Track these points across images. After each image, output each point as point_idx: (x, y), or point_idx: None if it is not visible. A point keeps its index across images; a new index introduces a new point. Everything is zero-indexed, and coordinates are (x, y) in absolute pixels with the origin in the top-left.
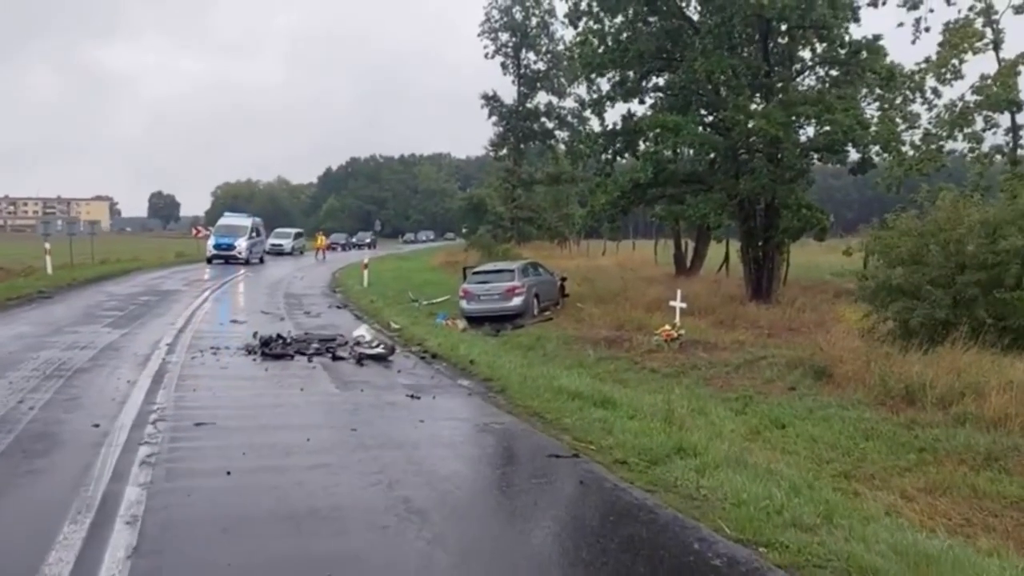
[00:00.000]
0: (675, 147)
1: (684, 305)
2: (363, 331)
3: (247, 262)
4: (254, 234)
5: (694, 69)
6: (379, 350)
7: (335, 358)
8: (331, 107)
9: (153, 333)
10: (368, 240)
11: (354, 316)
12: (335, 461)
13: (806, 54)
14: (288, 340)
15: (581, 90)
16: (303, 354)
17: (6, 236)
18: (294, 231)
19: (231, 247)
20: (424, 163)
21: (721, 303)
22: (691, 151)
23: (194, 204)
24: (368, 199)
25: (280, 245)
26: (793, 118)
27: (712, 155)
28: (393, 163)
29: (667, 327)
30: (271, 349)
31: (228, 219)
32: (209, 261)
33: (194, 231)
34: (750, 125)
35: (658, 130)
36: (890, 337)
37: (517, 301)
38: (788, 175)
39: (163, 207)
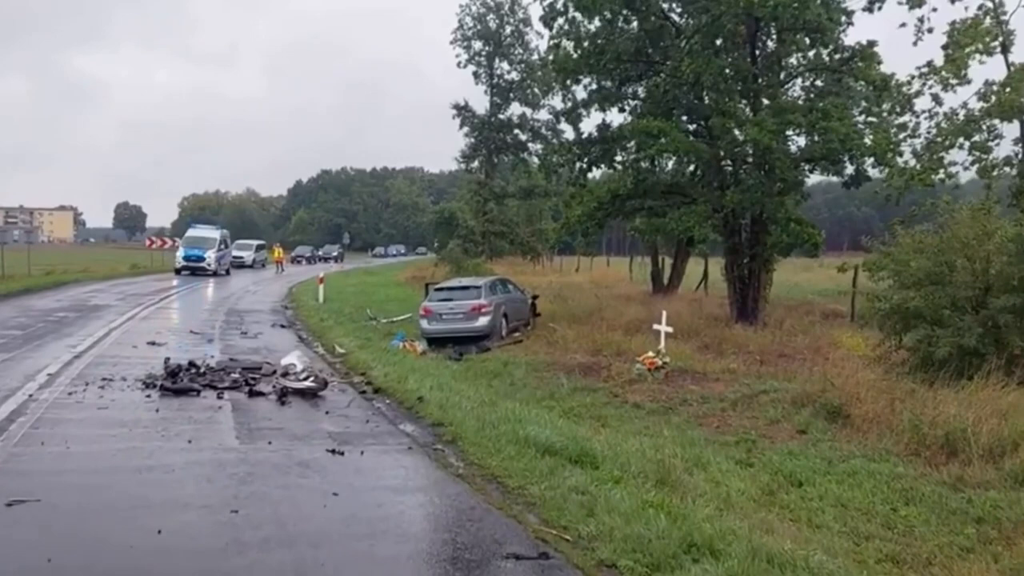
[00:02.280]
0: (658, 155)
1: (670, 329)
2: (294, 359)
3: (215, 273)
4: (222, 246)
5: (680, 71)
6: (308, 383)
7: (252, 393)
8: (304, 119)
9: (42, 359)
10: (335, 253)
11: (297, 337)
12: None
13: (794, 60)
14: (202, 369)
15: (555, 101)
16: (214, 388)
17: None
18: (255, 243)
19: (200, 259)
20: (396, 176)
21: (705, 324)
22: (671, 162)
23: (161, 215)
24: (338, 212)
25: (241, 257)
26: (785, 126)
27: (695, 166)
28: (365, 176)
29: (650, 354)
30: (176, 381)
31: (197, 231)
32: (178, 272)
33: (148, 242)
34: (739, 133)
35: (641, 136)
36: (905, 368)
37: (483, 321)
38: (778, 187)
39: (129, 218)
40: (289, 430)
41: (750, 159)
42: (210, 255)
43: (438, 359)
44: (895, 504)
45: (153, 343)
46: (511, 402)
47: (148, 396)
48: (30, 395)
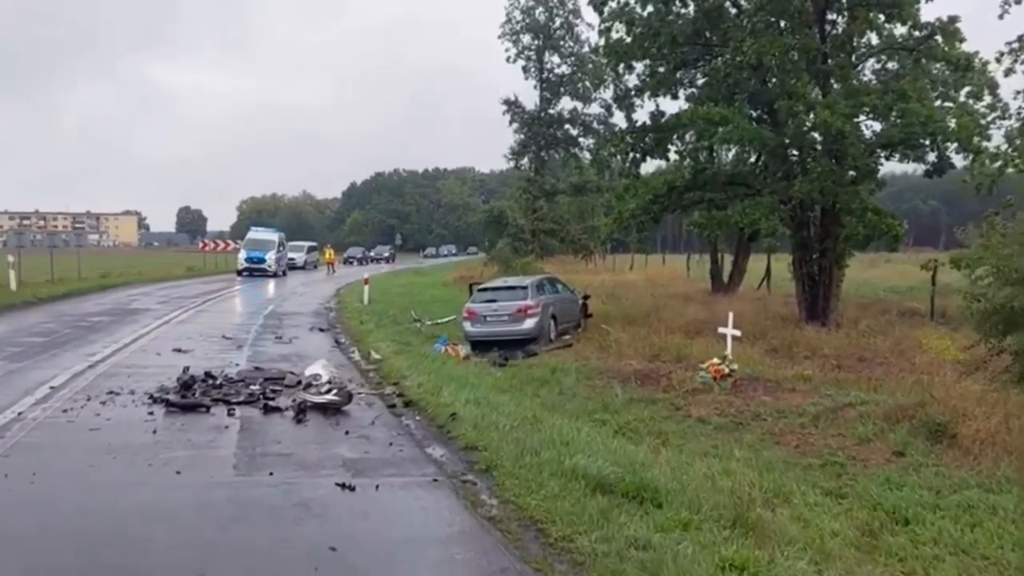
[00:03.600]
0: (720, 143)
1: (738, 333)
2: (319, 368)
3: (275, 275)
4: (280, 248)
5: (742, 52)
6: (330, 397)
7: (268, 409)
8: (359, 123)
9: (52, 370)
10: (386, 254)
11: (334, 341)
12: None
13: (866, 39)
14: (218, 381)
15: (607, 94)
16: (227, 403)
17: (32, 250)
18: (307, 244)
19: (262, 260)
20: (448, 177)
21: (772, 326)
22: (731, 152)
23: (221, 219)
24: (391, 213)
25: (293, 259)
26: (859, 109)
27: (757, 155)
28: (417, 177)
29: (715, 360)
30: (187, 395)
31: (257, 233)
32: (239, 273)
33: (201, 245)
34: (808, 118)
35: (701, 124)
36: (1010, 376)
37: (530, 323)
38: (851, 176)
39: (190, 222)
40: (298, 456)
41: (819, 146)
42: (270, 257)
43: (481, 365)
44: None
45: (179, 350)
46: (558, 416)
47: (151, 414)
48: (19, 413)
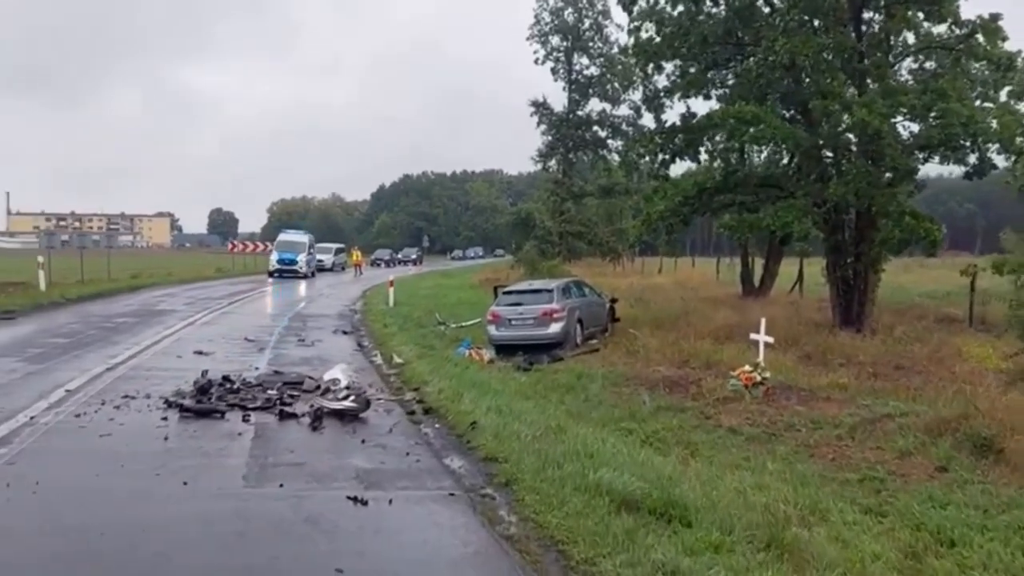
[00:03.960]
0: (752, 143)
1: (770, 339)
2: (338, 373)
3: (306, 276)
4: (311, 250)
5: (774, 51)
6: (347, 404)
7: (283, 415)
8: (388, 126)
9: (70, 372)
10: (414, 256)
11: (356, 344)
12: None
13: (902, 38)
14: (236, 385)
15: (636, 96)
16: (243, 408)
17: (67, 251)
18: (335, 246)
19: (294, 262)
20: (476, 179)
21: (805, 331)
22: (762, 153)
23: (252, 220)
24: (420, 216)
25: (321, 260)
26: (897, 108)
27: (790, 156)
28: (445, 180)
29: (747, 368)
30: (202, 400)
31: (288, 235)
32: (271, 275)
33: (230, 246)
34: (846, 117)
35: (732, 123)
36: None
37: (555, 328)
38: (887, 178)
39: (222, 223)
40: (310, 467)
41: (853, 146)
42: (301, 258)
43: (505, 369)
44: None
45: (200, 352)
46: (583, 425)
47: (164, 419)
48: (31, 418)
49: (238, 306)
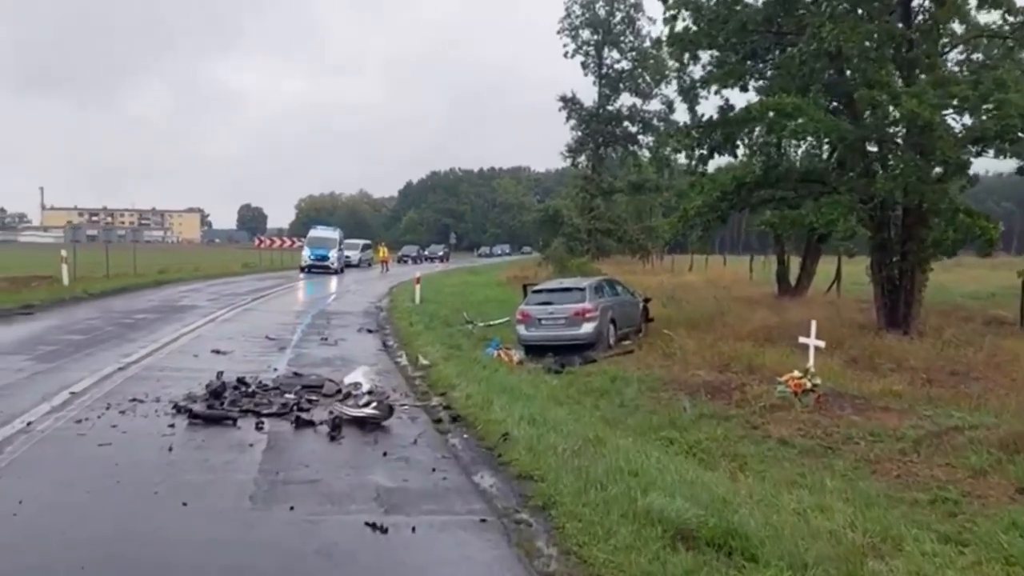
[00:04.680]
0: (793, 137)
1: (822, 344)
2: (359, 376)
3: (337, 272)
4: (341, 246)
5: (820, 38)
6: (369, 411)
7: (300, 423)
8: (416, 122)
9: (80, 372)
10: (440, 253)
11: (381, 344)
12: None
13: (950, 27)
14: (251, 388)
15: (669, 90)
16: (257, 414)
17: (97, 246)
18: (362, 243)
19: (325, 258)
20: (503, 176)
21: (850, 333)
22: (800, 148)
23: (280, 216)
24: (446, 212)
25: (348, 257)
26: (949, 99)
27: (831, 150)
28: (472, 177)
29: (795, 373)
30: (214, 405)
31: (319, 232)
32: (303, 270)
33: (257, 242)
34: (894, 108)
35: (773, 116)
36: None
37: (588, 328)
38: (938, 172)
39: (251, 219)
40: (326, 484)
41: (899, 140)
42: (332, 254)
43: (535, 371)
44: None
45: (217, 351)
46: (621, 434)
47: (171, 426)
48: (28, 424)
49: (262, 303)
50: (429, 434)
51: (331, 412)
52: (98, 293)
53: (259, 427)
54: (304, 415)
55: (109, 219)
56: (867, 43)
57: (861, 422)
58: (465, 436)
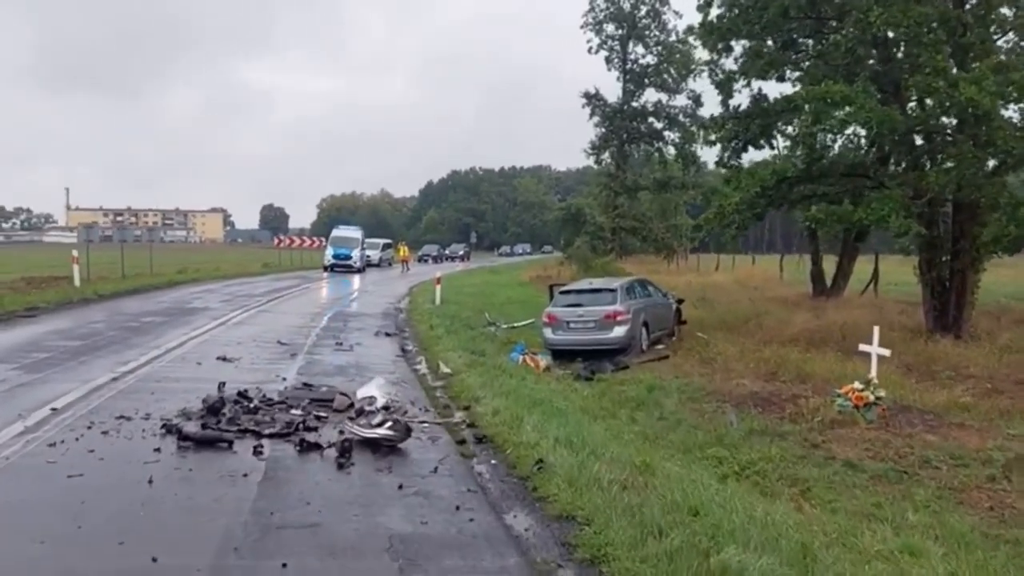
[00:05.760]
0: (840, 128)
1: (887, 352)
2: (374, 389)
3: (359, 270)
4: (363, 245)
5: (868, 23)
6: (383, 431)
7: (304, 446)
8: (436, 122)
9: (67, 383)
10: (461, 252)
11: (400, 349)
12: None
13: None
14: (254, 403)
15: (696, 84)
16: (257, 434)
17: (117, 246)
18: (382, 242)
19: (348, 257)
20: (524, 175)
21: (899, 338)
22: (835, 139)
23: (302, 216)
24: (467, 212)
25: (368, 256)
26: (1009, 86)
27: (871, 142)
28: (493, 176)
29: (856, 384)
30: (211, 424)
31: (342, 231)
32: (326, 269)
33: (276, 241)
34: (950, 96)
35: (818, 105)
36: None
37: (620, 331)
38: (993, 165)
39: (273, 219)
40: (328, 530)
41: (950, 131)
42: (355, 253)
43: (564, 379)
44: None
45: (223, 358)
46: (665, 452)
47: (157, 451)
48: None
49: (277, 304)
50: (452, 459)
51: (341, 432)
52: (108, 294)
53: (258, 451)
54: (310, 436)
55: (133, 219)
56: (921, 27)
57: (937, 442)
58: (493, 462)
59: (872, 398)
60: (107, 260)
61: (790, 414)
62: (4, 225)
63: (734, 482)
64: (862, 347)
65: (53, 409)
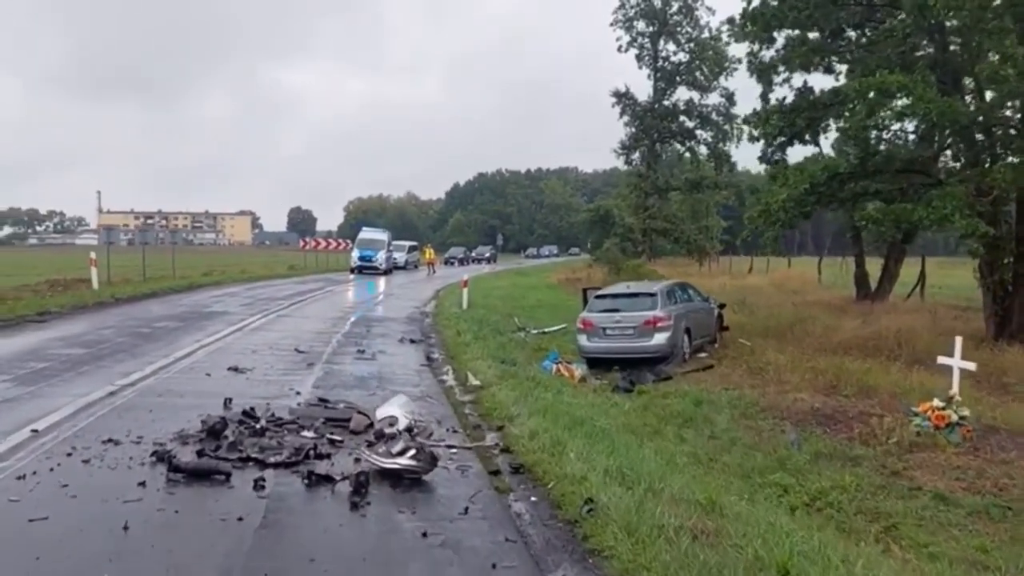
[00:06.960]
0: (897, 120)
1: (972, 366)
2: (395, 408)
3: (385, 273)
4: (389, 247)
5: (928, 6)
6: (405, 461)
7: (314, 479)
8: (463, 125)
9: (58, 398)
10: (487, 255)
11: (425, 358)
12: None
13: None
14: (261, 424)
15: (732, 83)
16: (261, 463)
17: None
18: (408, 244)
19: (373, 259)
20: (550, 177)
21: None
22: (882, 134)
23: (329, 219)
24: (493, 214)
25: (395, 258)
26: None
27: (921, 137)
28: (519, 178)
29: (936, 402)
30: (209, 450)
31: (368, 233)
32: (352, 271)
33: (302, 243)
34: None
35: (873, 96)
36: None
37: (661, 338)
38: None
39: (301, 221)
40: None
41: (1014, 123)
42: (381, 255)
43: (602, 390)
44: None
45: (235, 369)
46: (721, 477)
47: (142, 484)
48: None
49: (299, 307)
50: (485, 496)
51: (357, 460)
52: (126, 298)
53: (259, 485)
54: (321, 465)
55: (164, 222)
56: (984, 11)
57: None
58: (533, 499)
59: (955, 418)
60: (133, 263)
61: (860, 434)
62: (38, 228)
63: (804, 515)
64: (942, 360)
65: (34, 431)
